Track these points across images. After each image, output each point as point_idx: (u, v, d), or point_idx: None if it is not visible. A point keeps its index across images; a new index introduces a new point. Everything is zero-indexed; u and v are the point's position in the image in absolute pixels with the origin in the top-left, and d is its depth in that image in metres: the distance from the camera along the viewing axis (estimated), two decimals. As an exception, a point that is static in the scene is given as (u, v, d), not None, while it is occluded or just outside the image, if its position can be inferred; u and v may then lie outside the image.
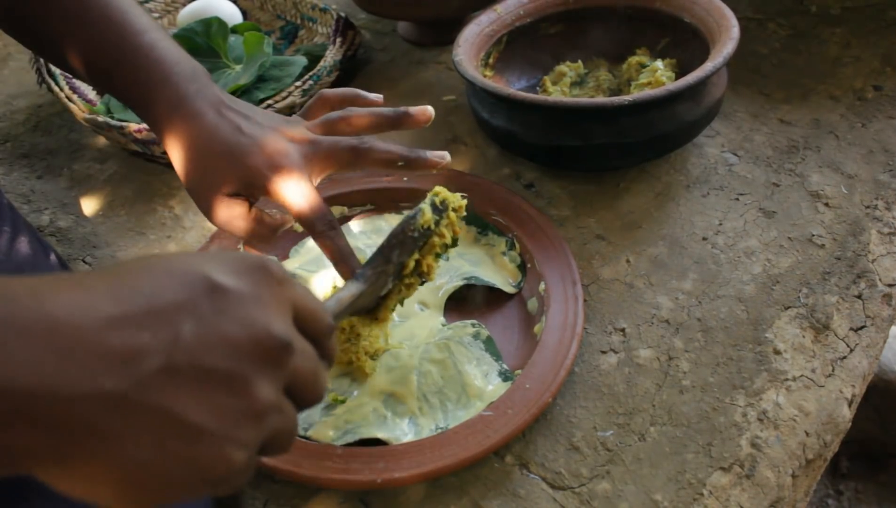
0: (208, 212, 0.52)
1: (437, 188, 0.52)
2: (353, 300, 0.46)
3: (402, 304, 0.52)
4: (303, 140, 0.53)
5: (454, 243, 0.53)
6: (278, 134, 0.52)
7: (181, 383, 0.27)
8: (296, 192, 0.50)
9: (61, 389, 0.25)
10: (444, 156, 0.56)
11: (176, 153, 0.52)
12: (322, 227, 0.51)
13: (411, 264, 0.50)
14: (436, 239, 0.51)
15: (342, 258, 0.51)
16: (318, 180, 0.53)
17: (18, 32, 0.57)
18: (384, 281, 0.49)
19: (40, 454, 0.26)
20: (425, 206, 0.50)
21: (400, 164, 0.54)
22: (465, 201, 0.52)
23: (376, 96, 0.58)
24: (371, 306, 0.50)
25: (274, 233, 0.54)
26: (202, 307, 0.28)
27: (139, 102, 0.53)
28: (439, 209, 0.50)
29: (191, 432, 0.27)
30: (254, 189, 0.51)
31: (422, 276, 0.52)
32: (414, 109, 0.56)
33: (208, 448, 0.27)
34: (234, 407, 0.28)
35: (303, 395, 0.32)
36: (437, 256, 0.52)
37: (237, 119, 0.52)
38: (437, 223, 0.50)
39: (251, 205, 0.53)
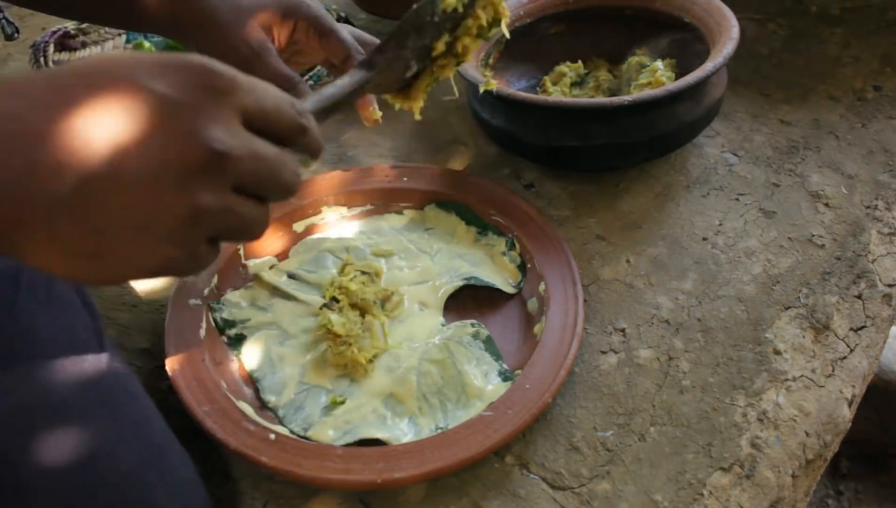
0: (239, 37, 0.53)
1: None
2: (355, 89, 0.44)
3: (437, 81, 0.50)
4: None
5: (496, 22, 0.49)
6: None
7: (118, 187, 0.29)
8: (333, 23, 0.55)
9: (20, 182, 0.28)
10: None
11: (203, 11, 0.53)
12: (358, 53, 0.54)
13: (440, 46, 0.47)
14: (470, 21, 0.48)
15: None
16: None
17: None
18: (401, 66, 0.46)
19: (14, 229, 0.29)
20: None
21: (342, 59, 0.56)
22: None
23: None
24: (397, 87, 0.48)
25: (295, 81, 0.54)
26: (128, 111, 0.29)
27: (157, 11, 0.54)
28: None
29: (128, 237, 0.30)
30: (293, 15, 0.54)
31: (457, 56, 0.48)
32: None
33: (146, 249, 0.30)
34: (165, 213, 0.30)
35: (265, 191, 0.33)
36: (478, 36, 0.49)
37: None
38: (471, 4, 0.47)
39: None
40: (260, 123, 0.33)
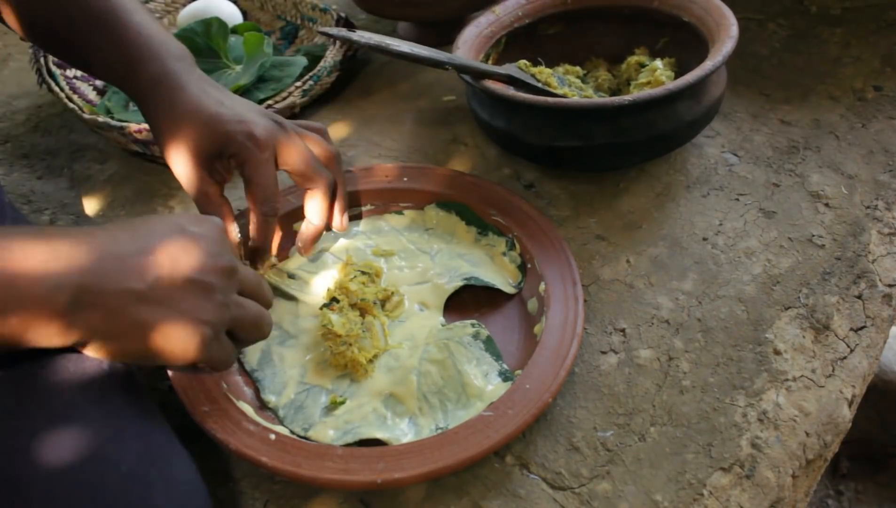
0: (185, 179, 0.57)
1: None
2: None
3: None
4: (279, 122, 0.58)
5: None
6: (257, 112, 0.58)
7: (174, 287, 0.43)
8: (259, 171, 0.56)
9: (108, 285, 0.41)
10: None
11: (158, 121, 0.57)
12: (265, 209, 0.56)
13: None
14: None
15: (260, 243, 0.58)
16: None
17: (39, 38, 0.65)
18: None
19: (96, 331, 0.42)
20: None
21: (313, 223, 0.61)
22: None
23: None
24: None
25: (220, 213, 0.58)
26: (181, 244, 0.45)
27: (125, 76, 0.58)
28: None
29: (181, 316, 0.43)
30: (228, 156, 0.56)
31: None
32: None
33: (188, 325, 0.43)
34: (202, 301, 0.44)
35: (255, 298, 0.49)
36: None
37: (219, 95, 0.58)
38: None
39: (222, 187, 0.58)
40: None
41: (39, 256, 0.40)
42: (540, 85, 0.69)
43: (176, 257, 0.44)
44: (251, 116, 0.57)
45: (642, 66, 0.73)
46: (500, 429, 0.48)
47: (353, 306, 0.57)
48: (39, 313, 0.40)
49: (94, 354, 0.43)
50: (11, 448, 0.40)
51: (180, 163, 0.56)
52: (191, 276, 0.44)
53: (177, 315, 0.43)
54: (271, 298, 0.51)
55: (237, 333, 0.47)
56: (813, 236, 0.63)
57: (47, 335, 0.41)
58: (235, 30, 0.89)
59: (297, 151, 0.57)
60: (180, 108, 0.56)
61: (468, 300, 0.60)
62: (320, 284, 0.61)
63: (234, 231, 0.58)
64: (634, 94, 0.61)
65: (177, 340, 0.43)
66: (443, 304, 0.59)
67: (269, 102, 0.76)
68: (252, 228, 0.57)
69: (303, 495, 0.49)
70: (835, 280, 0.60)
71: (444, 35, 0.89)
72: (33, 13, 0.61)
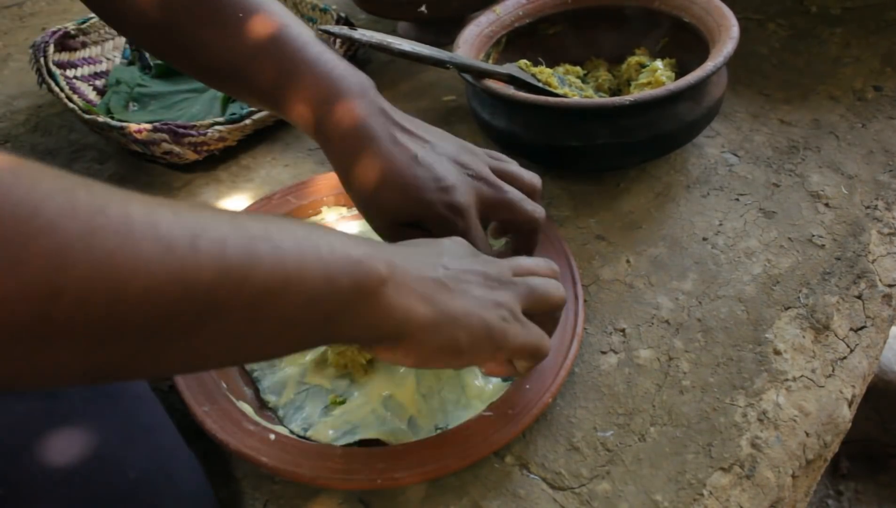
0: (385, 237, 0.52)
1: None
2: None
3: None
4: (481, 176, 0.52)
5: None
6: (454, 165, 0.51)
7: (458, 277, 0.43)
8: (466, 239, 0.49)
9: (412, 269, 0.41)
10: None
11: (348, 176, 0.52)
12: None
13: None
14: None
15: None
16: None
17: (174, 55, 0.58)
18: None
19: (411, 320, 0.39)
20: None
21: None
22: None
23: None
24: None
25: None
26: (439, 241, 0.46)
27: (308, 119, 0.53)
28: None
29: (479, 301, 0.42)
30: (426, 223, 0.50)
31: None
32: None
33: (490, 309, 0.42)
34: (486, 288, 0.43)
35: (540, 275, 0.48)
36: None
37: (412, 146, 0.51)
38: None
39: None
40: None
41: (343, 241, 0.38)
42: (540, 85, 0.69)
43: (448, 252, 0.44)
44: (450, 178, 0.50)
45: (643, 66, 0.73)
46: (500, 429, 0.48)
47: None
48: (360, 295, 0.37)
49: (398, 357, 0.41)
50: (21, 451, 0.40)
51: (375, 222, 0.52)
52: (465, 265, 0.44)
53: (475, 301, 0.42)
54: (557, 268, 0.49)
55: (534, 308, 0.45)
56: (813, 236, 0.63)
57: (368, 318, 0.38)
58: (235, 30, 0.89)
59: (506, 203, 0.52)
60: (374, 165, 0.50)
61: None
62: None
63: None
64: (635, 94, 0.61)
65: (485, 325, 0.42)
66: (443, 304, 0.59)
67: (269, 101, 0.76)
68: None
69: (303, 495, 0.49)
70: (835, 280, 0.60)
71: (443, 35, 0.89)
72: (195, 48, 0.56)
